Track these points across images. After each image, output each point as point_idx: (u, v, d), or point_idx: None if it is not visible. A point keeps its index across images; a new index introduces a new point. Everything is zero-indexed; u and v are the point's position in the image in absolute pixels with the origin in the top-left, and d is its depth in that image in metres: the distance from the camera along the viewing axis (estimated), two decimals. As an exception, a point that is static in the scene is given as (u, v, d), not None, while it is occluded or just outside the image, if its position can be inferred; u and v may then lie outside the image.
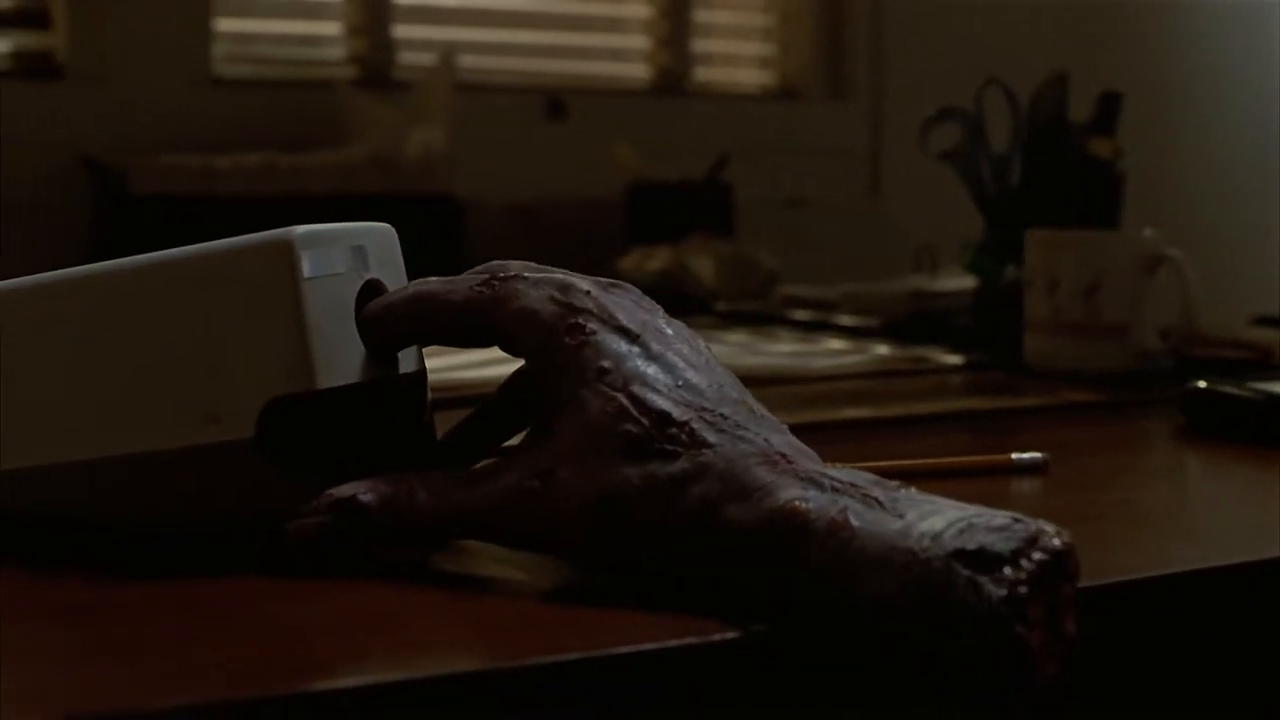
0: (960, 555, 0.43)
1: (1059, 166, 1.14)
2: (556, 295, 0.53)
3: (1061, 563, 0.44)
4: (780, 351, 1.12)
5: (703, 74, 2.45)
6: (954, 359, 1.10)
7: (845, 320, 1.34)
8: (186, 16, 2.05)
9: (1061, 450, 0.74)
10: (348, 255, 0.55)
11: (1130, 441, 0.79)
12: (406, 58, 2.18)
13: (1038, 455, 0.70)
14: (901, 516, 0.45)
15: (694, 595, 0.46)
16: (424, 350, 0.58)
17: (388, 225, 0.59)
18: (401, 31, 2.20)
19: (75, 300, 0.56)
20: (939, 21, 2.46)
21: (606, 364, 0.51)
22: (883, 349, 1.15)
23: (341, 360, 0.54)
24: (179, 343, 0.54)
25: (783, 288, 1.60)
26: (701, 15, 2.43)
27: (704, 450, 0.48)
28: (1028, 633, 0.42)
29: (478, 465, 0.54)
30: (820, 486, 0.46)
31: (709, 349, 0.55)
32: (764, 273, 1.62)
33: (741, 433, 0.49)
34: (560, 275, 0.54)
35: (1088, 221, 1.11)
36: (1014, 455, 0.70)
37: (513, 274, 0.54)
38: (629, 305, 0.54)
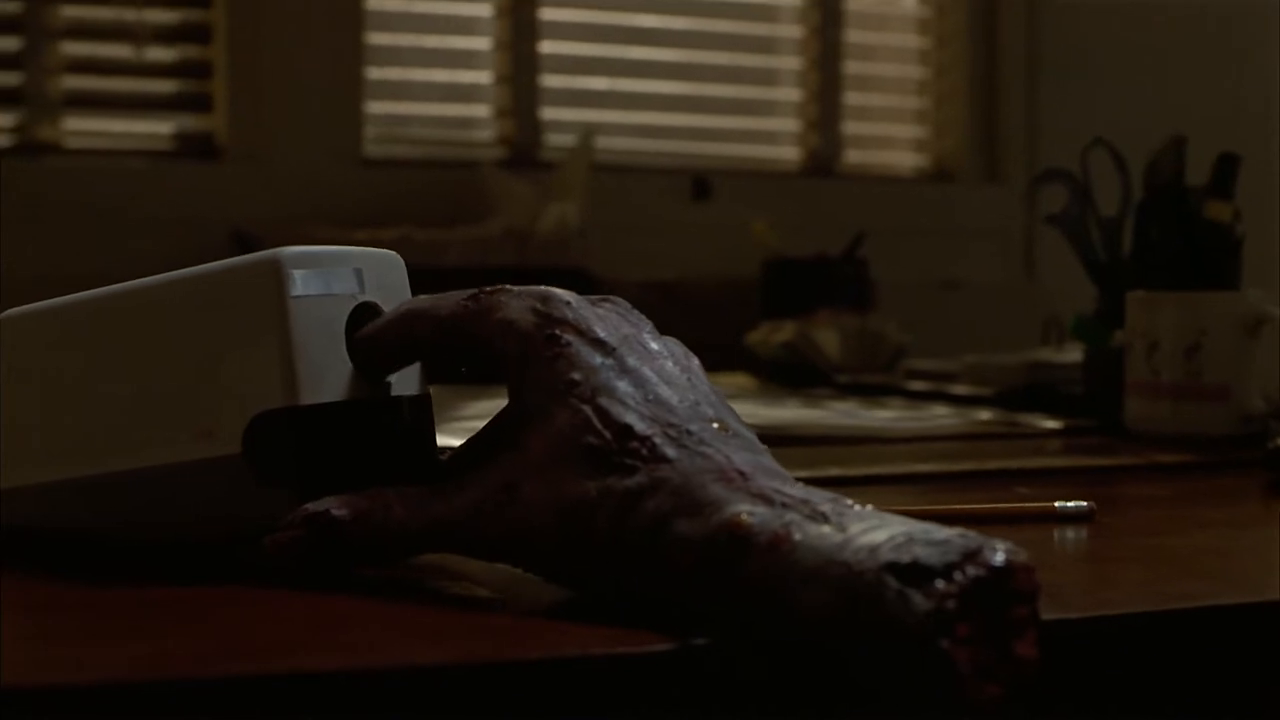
0: (892, 568, 0.41)
1: (1176, 230, 1.10)
2: (537, 306, 0.52)
3: (1006, 581, 0.42)
4: (877, 416, 1.10)
5: (854, 156, 2.44)
6: (1053, 423, 1.06)
7: (959, 390, 1.31)
8: (339, 101, 2.12)
9: (1122, 503, 0.71)
10: (341, 277, 0.56)
11: (1202, 496, 0.76)
12: (554, 139, 2.22)
13: (1083, 504, 0.67)
14: (844, 530, 0.43)
15: (648, 609, 0.45)
16: None
17: (392, 252, 0.59)
18: (550, 114, 2.24)
19: (79, 323, 0.58)
20: (1092, 103, 2.42)
21: (577, 376, 0.50)
22: (985, 414, 1.12)
23: (328, 378, 0.54)
24: (176, 360, 0.55)
25: (910, 362, 1.57)
26: (853, 99, 2.43)
27: (662, 465, 0.47)
28: (954, 649, 0.40)
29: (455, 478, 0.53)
30: (770, 503, 0.45)
31: (700, 368, 0.54)
32: (892, 347, 1.60)
33: (703, 449, 0.48)
34: (545, 288, 0.54)
35: (1206, 287, 1.07)
36: (1058, 504, 0.68)
37: (498, 288, 0.54)
38: (612, 319, 0.53)
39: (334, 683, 0.39)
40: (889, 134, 2.52)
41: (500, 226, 1.83)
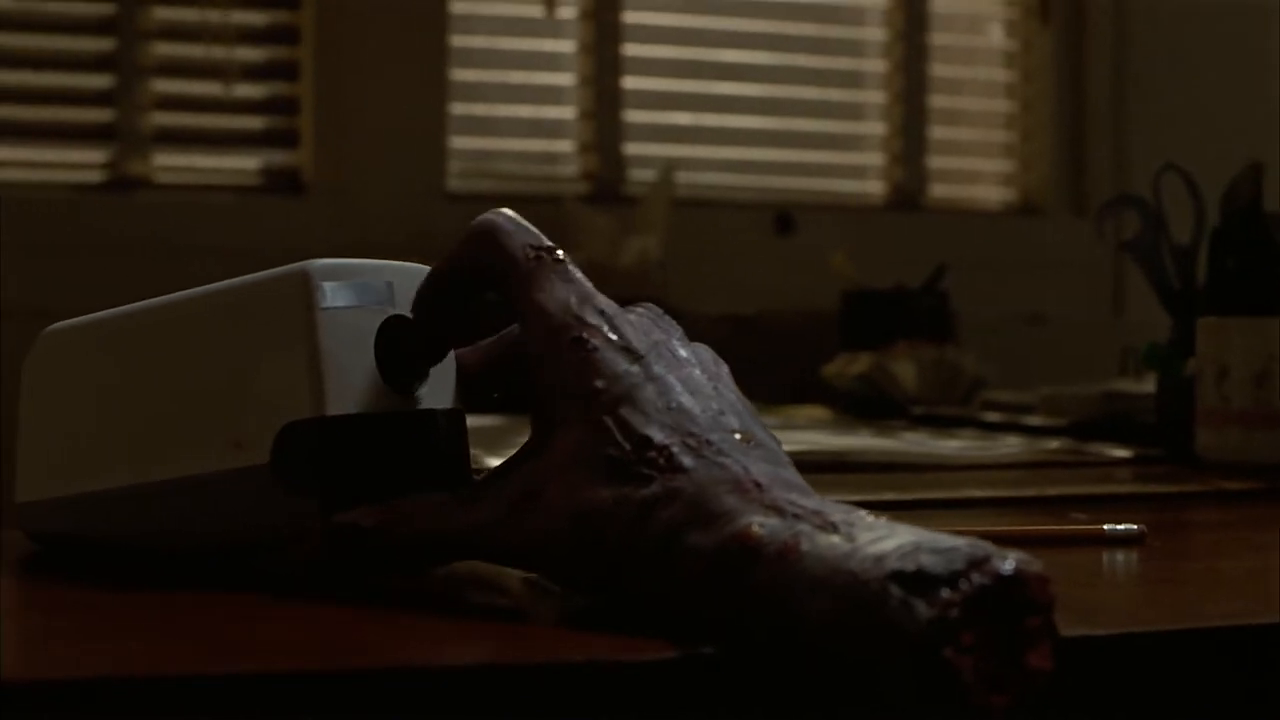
0: (897, 576, 0.40)
1: (1251, 256, 1.08)
2: (573, 303, 0.52)
3: (1017, 590, 0.41)
4: (945, 445, 1.08)
5: (939, 190, 2.42)
6: (1122, 453, 1.05)
7: (1033, 421, 1.30)
8: (424, 136, 2.14)
9: (1176, 527, 0.69)
10: (372, 290, 0.56)
11: (1262, 522, 0.74)
12: (638, 174, 2.22)
13: (1132, 527, 0.66)
14: (853, 540, 0.43)
15: (663, 618, 0.45)
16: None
17: (426, 268, 0.60)
18: (633, 149, 2.25)
19: (116, 336, 0.59)
20: (1181, 135, 2.38)
21: (600, 384, 0.50)
22: (1055, 444, 1.10)
23: (356, 390, 0.54)
24: (208, 372, 0.56)
25: (990, 394, 1.56)
26: (938, 132, 2.42)
27: (678, 475, 0.47)
28: (957, 657, 0.39)
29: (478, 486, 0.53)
30: (782, 514, 0.45)
31: (729, 376, 0.54)
32: (969, 379, 1.58)
33: (721, 459, 0.47)
34: (589, 287, 0.54)
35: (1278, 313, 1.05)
36: (1107, 527, 0.66)
37: (562, 259, 0.54)
38: (644, 325, 0.53)
39: (326, 683, 0.39)
40: (975, 168, 2.50)
41: (581, 260, 1.83)
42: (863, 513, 0.45)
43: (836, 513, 0.44)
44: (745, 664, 0.43)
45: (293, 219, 2.07)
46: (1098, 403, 1.27)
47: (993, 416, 1.36)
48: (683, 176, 2.23)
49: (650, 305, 0.55)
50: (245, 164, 2.10)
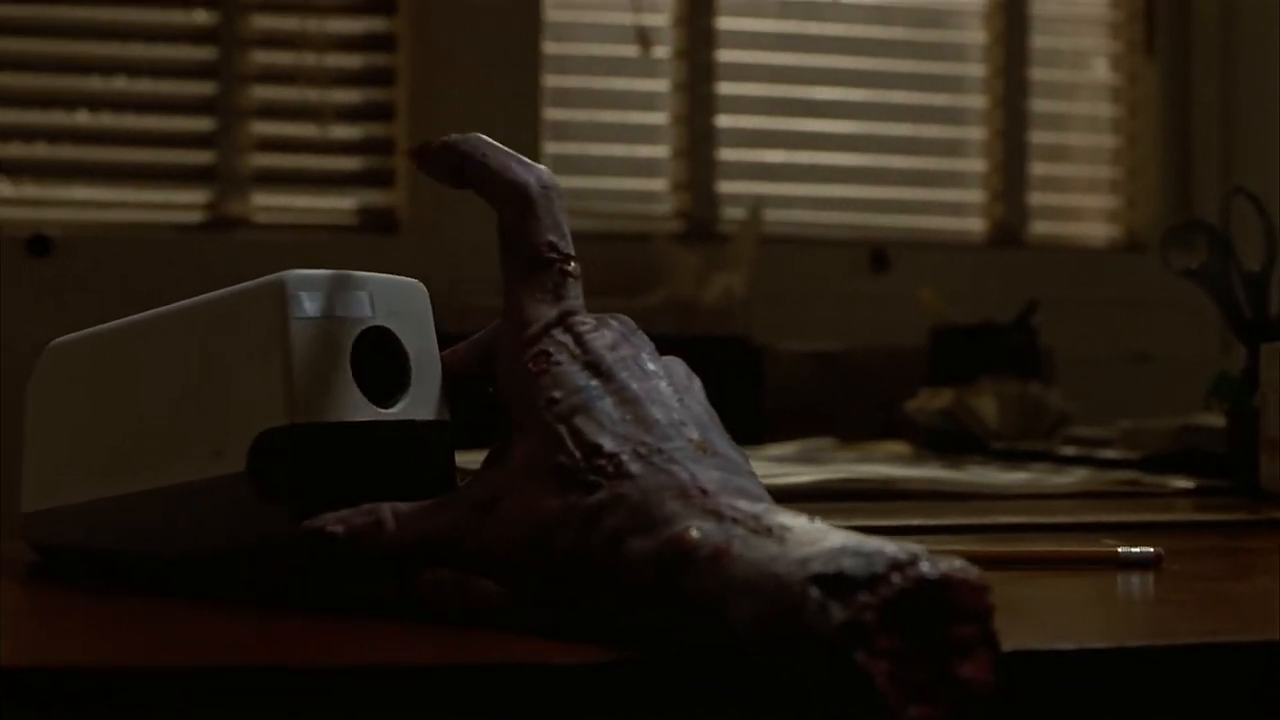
0: (818, 579, 0.39)
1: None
2: (551, 320, 0.52)
3: (947, 596, 0.39)
4: (1004, 477, 1.06)
5: (1040, 227, 2.39)
6: (1186, 483, 1.01)
7: (1108, 454, 1.26)
8: (518, 174, 2.15)
9: (1203, 553, 0.67)
10: (350, 301, 0.56)
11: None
12: (731, 213, 2.22)
13: (1149, 550, 0.64)
14: (784, 544, 0.42)
15: (610, 624, 0.45)
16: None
17: (415, 281, 0.60)
18: (727, 187, 2.24)
19: (107, 349, 0.60)
20: (1291, 168, 2.32)
21: (557, 394, 0.50)
22: (1121, 476, 1.07)
23: (331, 398, 0.54)
24: (191, 382, 0.57)
25: (1074, 429, 1.53)
26: (1040, 168, 2.38)
27: (624, 482, 0.47)
28: (870, 661, 0.38)
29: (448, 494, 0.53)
30: (720, 518, 0.44)
31: (701, 390, 0.54)
32: (1054, 415, 1.55)
33: (670, 467, 0.47)
34: (577, 304, 0.54)
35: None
36: (1121, 549, 0.64)
37: (569, 271, 0.54)
38: (611, 339, 0.53)
39: (250, 677, 0.40)
40: (1078, 204, 2.46)
41: (662, 295, 1.83)
42: (805, 518, 0.44)
43: (777, 517, 0.43)
44: (674, 668, 0.42)
45: (387, 258, 2.09)
46: (1173, 436, 1.24)
47: (1068, 451, 1.33)
48: (776, 214, 2.22)
49: (624, 319, 0.55)
50: (341, 204, 2.14)
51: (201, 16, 2.07)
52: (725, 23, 2.25)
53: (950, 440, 1.53)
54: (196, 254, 2.04)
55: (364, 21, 2.16)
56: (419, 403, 0.57)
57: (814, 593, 0.39)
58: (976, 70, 2.37)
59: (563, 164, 2.21)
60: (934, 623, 0.40)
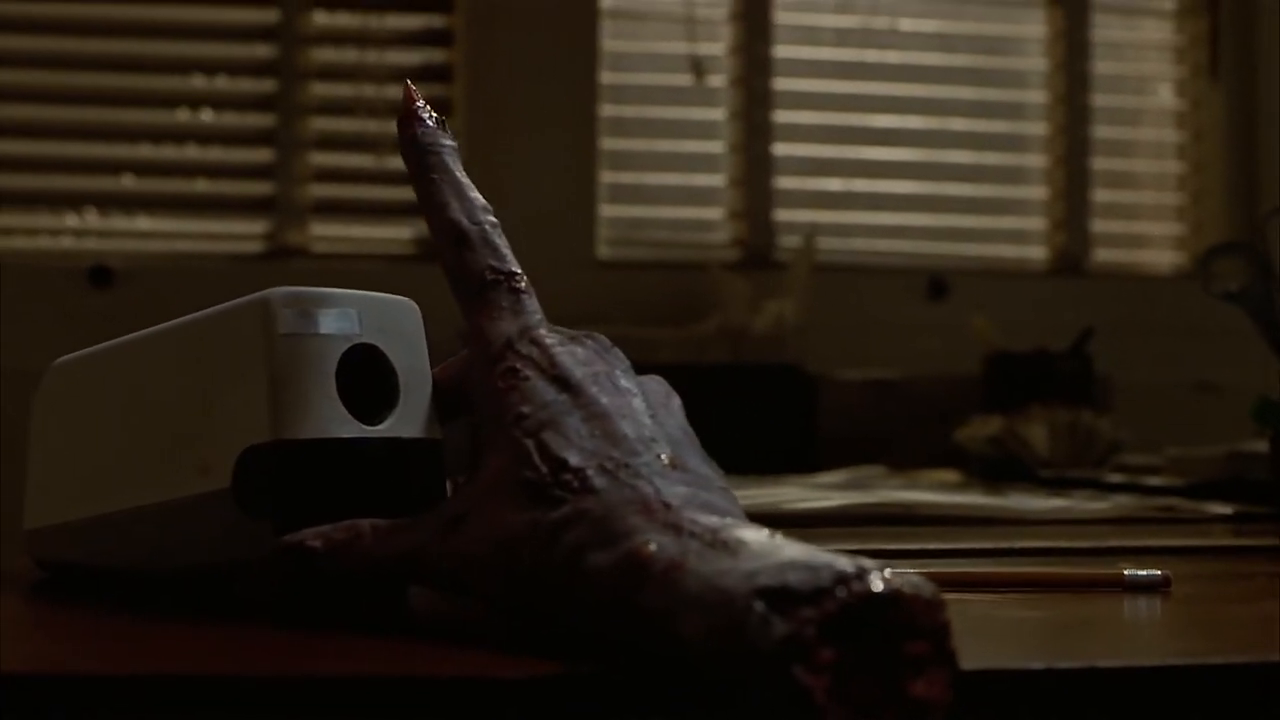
0: (762, 592, 0.39)
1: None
2: (513, 335, 0.52)
3: (897, 612, 0.39)
4: (1037, 503, 1.04)
5: (1103, 255, 2.36)
6: (1224, 509, 0.99)
7: (1154, 481, 1.24)
8: (573, 205, 2.16)
9: (1221, 578, 0.66)
10: (335, 318, 0.57)
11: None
12: (789, 241, 2.21)
13: (1156, 573, 0.62)
14: (736, 557, 0.41)
15: (570, 638, 0.44)
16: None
17: (407, 299, 0.60)
18: (784, 215, 2.24)
19: (104, 368, 0.60)
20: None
21: (526, 410, 0.49)
22: (1156, 502, 1.05)
23: (315, 415, 0.54)
24: (181, 399, 0.57)
25: (1124, 457, 1.51)
26: (1102, 195, 2.36)
27: (588, 497, 0.46)
28: (808, 676, 0.37)
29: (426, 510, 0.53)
30: (678, 532, 0.43)
31: (679, 408, 0.53)
32: (1105, 442, 1.53)
33: (635, 481, 0.46)
34: (537, 318, 0.53)
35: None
36: (1127, 572, 0.63)
37: (518, 288, 0.54)
38: (583, 356, 0.52)
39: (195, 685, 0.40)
40: (1143, 231, 2.43)
41: (713, 324, 1.83)
42: (767, 533, 0.43)
43: (735, 532, 0.43)
44: (626, 682, 0.41)
45: (444, 286, 2.10)
46: (1220, 463, 1.22)
47: (1114, 478, 1.31)
48: (833, 242, 2.21)
49: (598, 338, 0.54)
50: (398, 233, 2.15)
51: (261, 50, 2.10)
52: (782, 51, 2.25)
53: (999, 468, 1.51)
54: (255, 284, 2.04)
55: (422, 53, 2.18)
56: (407, 420, 0.57)
57: (758, 606, 0.38)
58: (1038, 97, 2.35)
59: (619, 193, 2.22)
60: (886, 639, 0.39)
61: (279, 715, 0.41)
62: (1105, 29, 2.35)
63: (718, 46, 2.24)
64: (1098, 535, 0.85)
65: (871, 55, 2.30)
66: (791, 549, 0.41)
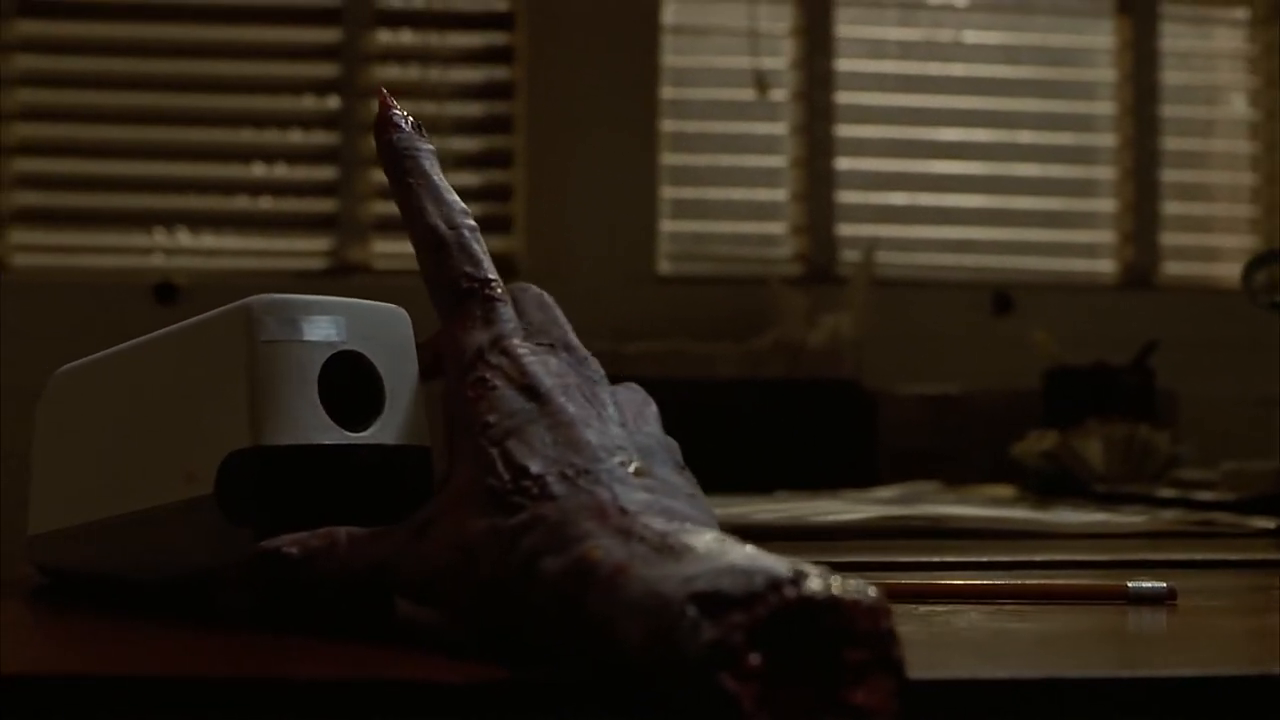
0: (696, 597, 0.38)
1: None
2: (485, 344, 0.52)
3: (832, 619, 0.38)
4: (1072, 517, 1.03)
5: (1173, 268, 2.32)
6: (1266, 524, 0.97)
7: (1205, 496, 1.22)
8: (635, 220, 2.16)
9: (1237, 592, 0.64)
10: (318, 325, 0.57)
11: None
12: (851, 255, 2.20)
13: (1161, 585, 0.61)
14: (679, 561, 0.41)
15: (517, 644, 0.44)
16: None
17: (396, 307, 0.60)
18: (846, 230, 2.23)
19: (98, 376, 0.61)
20: None
21: (491, 418, 0.49)
22: (1195, 516, 1.03)
23: (296, 421, 0.55)
24: (168, 407, 0.57)
25: (1182, 472, 1.48)
26: (1173, 208, 2.32)
27: (546, 503, 0.46)
28: (734, 683, 0.36)
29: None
30: (627, 537, 0.43)
31: (655, 417, 0.53)
32: (1162, 457, 1.50)
33: (594, 488, 0.46)
34: (510, 327, 0.53)
35: None
36: (1131, 584, 0.62)
37: (493, 296, 0.53)
38: (555, 367, 0.52)
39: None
40: (1215, 244, 2.39)
41: (769, 339, 1.83)
42: (717, 538, 0.42)
43: (685, 536, 0.42)
44: (566, 689, 0.41)
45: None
46: (1272, 477, 1.20)
47: (1166, 493, 1.29)
48: (896, 257, 2.20)
49: (574, 349, 0.54)
50: (459, 249, 2.16)
51: (325, 69, 2.12)
52: (844, 65, 2.24)
53: (1054, 482, 1.49)
54: (318, 300, 2.08)
55: (484, 71, 2.19)
56: (394, 427, 0.57)
57: (690, 611, 0.38)
58: (1106, 108, 2.32)
59: (681, 208, 2.21)
60: (825, 646, 0.38)
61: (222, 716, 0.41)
62: (1175, 39, 2.32)
63: (780, 61, 2.24)
64: (1124, 549, 0.83)
65: (936, 68, 2.29)
66: (737, 554, 0.41)
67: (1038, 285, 2.25)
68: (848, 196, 2.23)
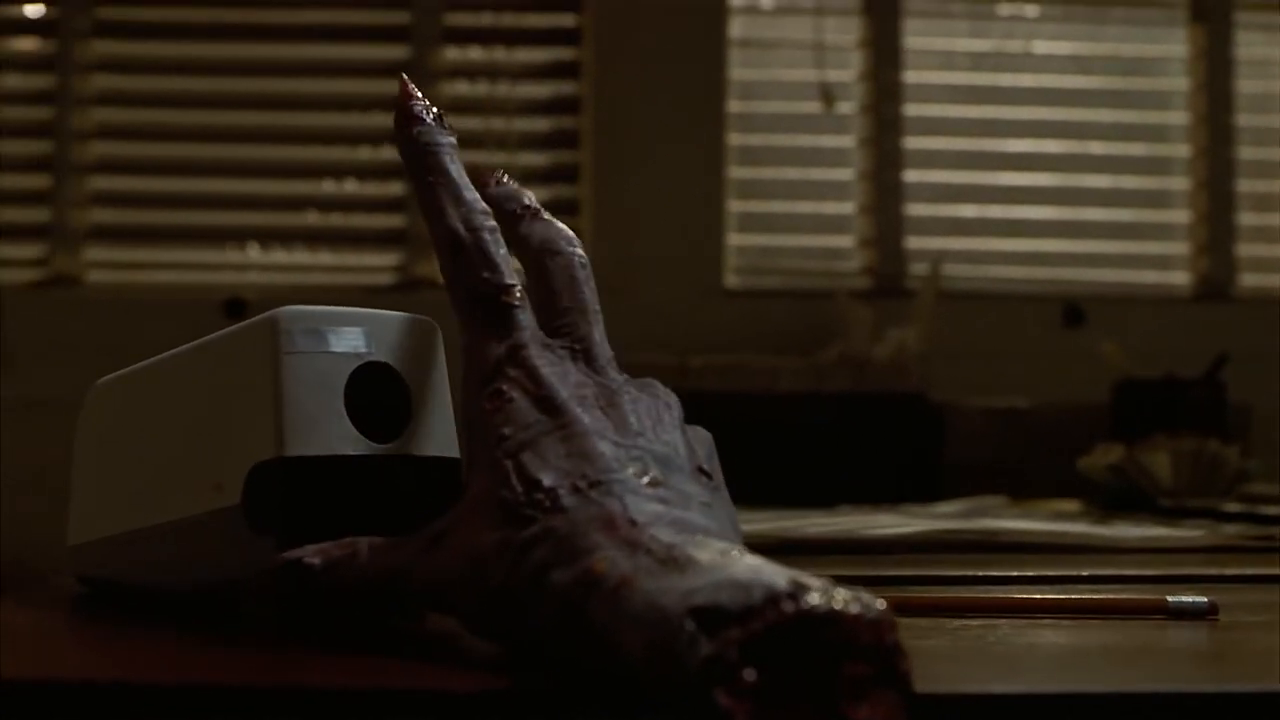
0: (695, 611, 0.38)
1: None
2: (502, 355, 0.52)
3: (832, 632, 0.38)
4: (1135, 533, 1.01)
5: (1249, 280, 2.28)
6: (1327, 540, 0.95)
7: (1272, 510, 1.20)
8: (702, 234, 2.16)
9: (1273, 607, 0.63)
10: (345, 336, 0.57)
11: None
12: (919, 268, 2.18)
13: (1201, 600, 0.60)
14: (683, 574, 0.40)
15: (527, 656, 0.44)
16: None
17: (426, 319, 0.60)
18: (915, 243, 2.21)
19: (132, 388, 0.62)
20: None
21: (507, 431, 0.49)
22: (1257, 530, 1.01)
23: (321, 432, 0.55)
24: (197, 418, 0.58)
25: (1254, 487, 1.46)
26: (1249, 219, 2.28)
27: (556, 515, 0.46)
28: (730, 701, 0.36)
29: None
30: (634, 549, 0.43)
31: (672, 423, 0.52)
32: (1232, 472, 1.48)
33: (605, 500, 0.46)
34: (527, 335, 0.52)
35: None
36: (1171, 599, 0.61)
37: (509, 303, 0.52)
38: (574, 377, 0.52)
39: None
40: (1293, 255, 2.35)
41: (835, 353, 1.81)
42: (723, 550, 0.42)
43: (691, 549, 0.42)
44: (571, 699, 0.41)
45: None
46: (1344, 492, 1.17)
47: (1233, 507, 1.27)
48: (965, 269, 2.18)
49: (594, 358, 0.53)
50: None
51: (392, 85, 2.13)
52: (912, 76, 2.23)
53: (1121, 497, 1.47)
54: (387, 314, 2.10)
55: (551, 86, 2.20)
56: (422, 438, 0.57)
57: (688, 625, 0.38)
58: (1180, 118, 2.29)
59: (749, 222, 2.21)
60: (827, 660, 0.38)
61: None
62: (1250, 46, 2.28)
63: (847, 73, 2.23)
64: (1177, 564, 0.82)
65: (1007, 79, 2.26)
66: (740, 567, 0.40)
67: (1110, 297, 2.22)
68: (917, 209, 2.22)
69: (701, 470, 0.50)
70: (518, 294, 0.53)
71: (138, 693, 0.42)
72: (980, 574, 0.74)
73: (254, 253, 2.14)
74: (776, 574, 0.39)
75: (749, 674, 0.36)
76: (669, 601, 0.39)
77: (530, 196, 0.59)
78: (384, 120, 2.14)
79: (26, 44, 2.17)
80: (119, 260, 2.13)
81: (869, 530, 0.95)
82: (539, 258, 0.55)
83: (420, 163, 0.56)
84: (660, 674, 0.38)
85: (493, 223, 0.55)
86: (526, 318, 0.53)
